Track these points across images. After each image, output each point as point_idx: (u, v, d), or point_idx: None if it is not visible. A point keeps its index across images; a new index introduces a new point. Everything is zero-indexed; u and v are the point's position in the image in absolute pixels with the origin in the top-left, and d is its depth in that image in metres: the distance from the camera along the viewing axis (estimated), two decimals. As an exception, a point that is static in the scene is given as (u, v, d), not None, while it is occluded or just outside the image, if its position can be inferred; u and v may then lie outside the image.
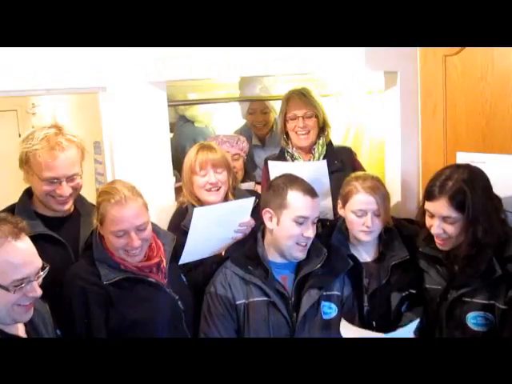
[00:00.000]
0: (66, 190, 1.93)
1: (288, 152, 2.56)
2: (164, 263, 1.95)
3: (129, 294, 1.85)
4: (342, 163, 2.48)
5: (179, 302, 1.94)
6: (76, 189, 1.99)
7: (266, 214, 1.94)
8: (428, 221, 1.92)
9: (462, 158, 2.30)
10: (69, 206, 2.01)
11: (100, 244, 1.89)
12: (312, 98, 2.53)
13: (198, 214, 1.99)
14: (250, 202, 2.09)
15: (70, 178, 1.94)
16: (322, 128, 2.55)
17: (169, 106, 2.47)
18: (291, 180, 1.95)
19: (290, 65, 2.36)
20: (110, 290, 1.83)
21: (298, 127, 2.49)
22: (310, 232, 1.89)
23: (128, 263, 1.87)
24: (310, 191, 1.91)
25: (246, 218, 2.10)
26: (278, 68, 2.39)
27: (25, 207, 1.99)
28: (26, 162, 1.93)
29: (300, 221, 1.88)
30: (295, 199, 1.89)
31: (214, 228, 2.03)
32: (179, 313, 1.93)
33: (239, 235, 2.11)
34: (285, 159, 2.54)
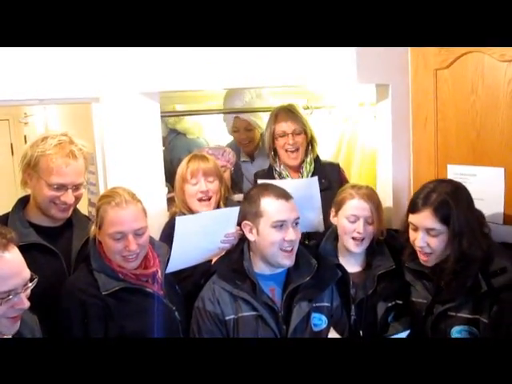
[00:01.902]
0: (70, 197, 1.95)
1: (276, 170, 2.56)
2: (159, 274, 1.95)
3: (127, 306, 1.84)
4: (329, 182, 2.48)
5: (176, 313, 1.94)
6: (78, 198, 2.01)
7: (246, 227, 1.93)
8: (412, 234, 1.92)
9: (453, 170, 2.32)
10: (68, 215, 2.02)
11: (97, 252, 1.89)
12: (299, 114, 2.55)
13: (181, 222, 2.00)
14: (234, 211, 2.08)
15: (75, 187, 1.96)
16: (309, 143, 2.56)
17: (162, 116, 2.48)
18: (263, 188, 1.95)
19: (281, 77, 2.38)
20: (108, 301, 1.81)
21: (288, 144, 2.49)
22: (292, 235, 1.86)
23: (126, 270, 1.87)
24: (282, 194, 1.89)
25: (232, 228, 2.09)
26: (270, 80, 2.40)
27: (18, 216, 1.98)
28: (34, 165, 1.93)
29: (278, 225, 1.86)
30: (268, 205, 1.87)
31: (199, 237, 2.03)
32: (176, 323, 1.93)
33: (226, 245, 2.10)
34: (273, 177, 2.54)
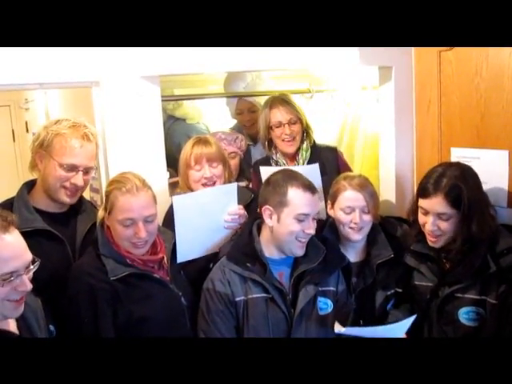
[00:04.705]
0: (80, 180, 1.95)
1: (272, 159, 2.58)
2: (165, 260, 1.96)
3: (135, 291, 1.85)
4: (323, 167, 2.47)
5: (182, 299, 1.94)
6: (86, 184, 2.01)
7: (266, 212, 1.90)
8: (421, 218, 1.93)
9: (457, 153, 2.31)
10: (75, 200, 2.02)
11: (105, 238, 1.88)
12: (293, 102, 2.55)
13: (178, 202, 2.00)
14: (232, 187, 2.08)
15: (86, 170, 1.97)
16: (304, 131, 2.56)
17: (162, 100, 2.46)
18: (290, 176, 1.92)
19: (284, 61, 2.35)
20: (117, 286, 1.81)
21: (285, 134, 2.50)
22: (312, 229, 1.88)
23: (134, 256, 1.87)
24: (310, 187, 1.89)
25: (233, 205, 2.09)
26: (272, 64, 2.37)
27: (24, 202, 1.97)
28: (47, 146, 1.93)
29: (301, 218, 1.86)
30: (296, 197, 1.86)
31: (200, 217, 2.02)
32: (183, 309, 1.94)
33: (232, 225, 2.10)
34: (270, 165, 2.54)
